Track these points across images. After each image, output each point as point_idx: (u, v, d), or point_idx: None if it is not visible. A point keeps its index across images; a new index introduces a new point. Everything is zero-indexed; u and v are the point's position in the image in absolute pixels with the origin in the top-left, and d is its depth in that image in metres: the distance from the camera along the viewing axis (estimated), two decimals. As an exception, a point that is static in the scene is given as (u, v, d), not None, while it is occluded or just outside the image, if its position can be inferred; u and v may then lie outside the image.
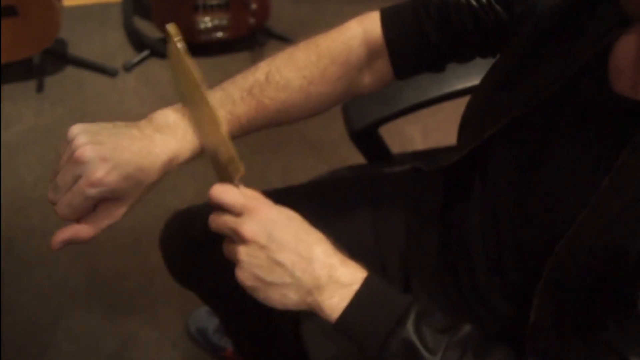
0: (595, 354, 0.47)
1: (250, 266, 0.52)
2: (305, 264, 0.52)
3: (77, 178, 0.53)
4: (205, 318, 1.30)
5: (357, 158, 1.03)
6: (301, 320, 0.84)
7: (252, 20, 1.80)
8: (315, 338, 0.82)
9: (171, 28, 0.56)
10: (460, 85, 0.91)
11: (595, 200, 0.49)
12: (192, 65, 0.56)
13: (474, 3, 0.62)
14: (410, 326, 0.50)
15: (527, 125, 0.60)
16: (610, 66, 0.52)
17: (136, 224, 1.47)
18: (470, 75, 0.89)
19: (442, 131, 1.71)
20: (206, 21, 1.77)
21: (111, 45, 1.93)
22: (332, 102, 0.69)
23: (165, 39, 0.62)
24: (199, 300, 1.01)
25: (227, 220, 0.54)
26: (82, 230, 0.55)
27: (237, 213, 0.54)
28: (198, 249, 0.85)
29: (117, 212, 0.56)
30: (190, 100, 0.59)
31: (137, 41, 1.90)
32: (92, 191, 0.52)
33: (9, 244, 1.45)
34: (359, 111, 0.94)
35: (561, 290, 0.53)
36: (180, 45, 0.56)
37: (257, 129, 0.66)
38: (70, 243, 0.55)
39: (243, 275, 0.53)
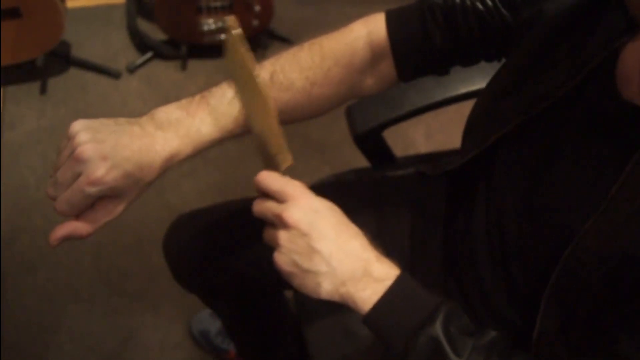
0: None
1: (290, 252, 0.53)
2: (342, 255, 0.53)
3: (77, 176, 0.53)
4: (207, 320, 1.30)
5: (360, 161, 1.03)
6: (304, 324, 0.84)
7: (255, 22, 1.80)
8: (319, 342, 0.82)
9: (230, 20, 0.59)
10: (464, 89, 0.91)
11: (603, 206, 0.49)
12: (248, 56, 0.58)
13: (480, 6, 0.62)
14: (438, 325, 0.50)
15: (533, 131, 0.59)
16: (617, 72, 0.52)
17: (139, 225, 1.47)
18: (474, 79, 0.89)
19: (445, 133, 1.71)
20: (209, 23, 1.77)
21: (114, 46, 1.93)
22: (335, 103, 0.69)
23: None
24: (202, 303, 1.01)
25: (271, 206, 0.56)
26: (80, 226, 0.56)
27: (281, 200, 0.55)
28: (201, 253, 0.85)
29: (116, 209, 0.57)
30: (243, 89, 0.61)
31: (141, 43, 1.90)
32: (91, 189, 0.53)
33: (11, 244, 1.45)
34: (363, 114, 0.93)
35: (568, 298, 0.52)
36: (238, 36, 0.58)
37: None
38: (68, 239, 0.56)
39: (282, 260, 0.54)
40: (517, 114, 0.60)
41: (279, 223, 0.54)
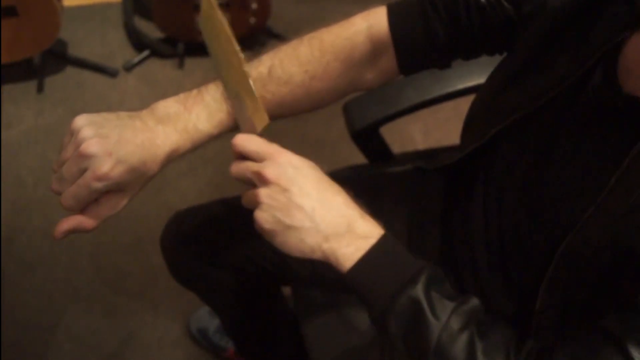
0: (594, 340, 0.47)
1: (271, 208, 0.53)
2: (325, 210, 0.53)
3: (83, 171, 0.53)
4: (206, 318, 1.30)
5: (358, 158, 1.03)
6: (302, 320, 0.84)
7: (252, 20, 1.80)
8: (316, 338, 0.82)
9: None
10: (461, 85, 0.91)
11: (602, 199, 0.49)
12: (223, 20, 0.57)
13: (483, 0, 0.62)
14: (420, 287, 0.50)
15: (533, 124, 0.60)
16: (619, 66, 0.52)
17: (138, 224, 1.47)
18: (472, 75, 0.89)
19: (443, 130, 1.71)
20: (206, 21, 1.77)
21: (111, 45, 1.92)
22: (334, 97, 0.69)
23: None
24: (200, 300, 1.01)
25: (249, 165, 0.55)
26: (85, 220, 0.57)
27: (259, 160, 0.55)
28: (198, 249, 0.85)
29: (120, 203, 0.58)
30: (220, 55, 0.61)
31: (138, 41, 1.90)
32: (98, 185, 0.53)
33: (10, 244, 1.45)
34: (360, 111, 0.93)
35: (566, 289, 0.52)
36: (213, 1, 0.58)
37: None
38: (73, 232, 0.57)
39: (263, 217, 0.53)
40: (518, 107, 0.60)
41: (259, 181, 0.54)
